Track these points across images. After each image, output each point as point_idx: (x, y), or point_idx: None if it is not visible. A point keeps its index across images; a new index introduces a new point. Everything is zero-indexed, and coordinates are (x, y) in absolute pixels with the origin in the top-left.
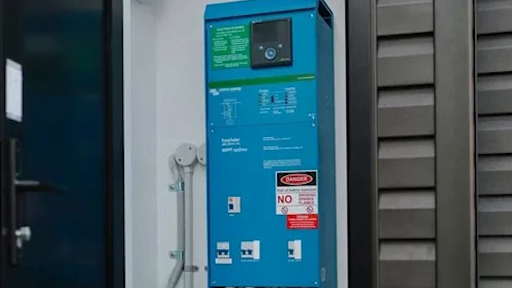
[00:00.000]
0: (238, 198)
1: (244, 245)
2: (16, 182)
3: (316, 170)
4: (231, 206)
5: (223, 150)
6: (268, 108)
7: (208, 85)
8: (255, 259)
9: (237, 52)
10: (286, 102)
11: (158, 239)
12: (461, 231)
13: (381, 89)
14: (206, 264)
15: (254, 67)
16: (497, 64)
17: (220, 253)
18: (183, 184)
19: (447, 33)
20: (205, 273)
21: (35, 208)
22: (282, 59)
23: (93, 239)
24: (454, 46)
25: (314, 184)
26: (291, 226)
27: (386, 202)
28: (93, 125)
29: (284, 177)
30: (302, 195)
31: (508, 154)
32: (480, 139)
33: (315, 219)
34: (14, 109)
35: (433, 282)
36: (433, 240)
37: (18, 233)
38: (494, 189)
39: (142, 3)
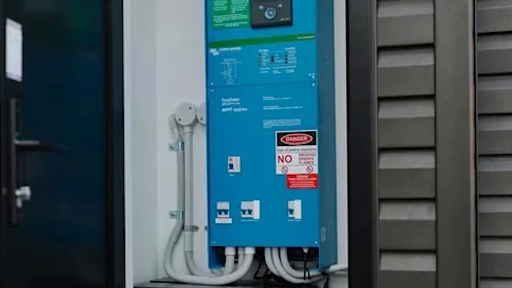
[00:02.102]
0: (238, 158)
1: (244, 205)
2: (16, 141)
3: (316, 130)
4: (231, 166)
5: (223, 110)
6: (268, 68)
7: (208, 45)
8: (255, 219)
9: (237, 12)
10: (286, 62)
11: (158, 198)
12: (461, 190)
13: (381, 48)
14: (206, 224)
15: (254, 26)
16: (497, 24)
17: (220, 213)
18: (183, 143)
19: None
20: (205, 233)
21: (35, 168)
22: (282, 19)
23: (93, 198)
24: (454, 6)
25: (314, 144)
26: (291, 186)
27: (386, 162)
28: (93, 85)
29: (284, 136)
30: (302, 154)
31: (508, 114)
32: (480, 99)
33: (315, 178)
34: (14, 69)
35: (433, 241)
36: (433, 199)
37: (18, 192)
38: (494, 149)
39: None
